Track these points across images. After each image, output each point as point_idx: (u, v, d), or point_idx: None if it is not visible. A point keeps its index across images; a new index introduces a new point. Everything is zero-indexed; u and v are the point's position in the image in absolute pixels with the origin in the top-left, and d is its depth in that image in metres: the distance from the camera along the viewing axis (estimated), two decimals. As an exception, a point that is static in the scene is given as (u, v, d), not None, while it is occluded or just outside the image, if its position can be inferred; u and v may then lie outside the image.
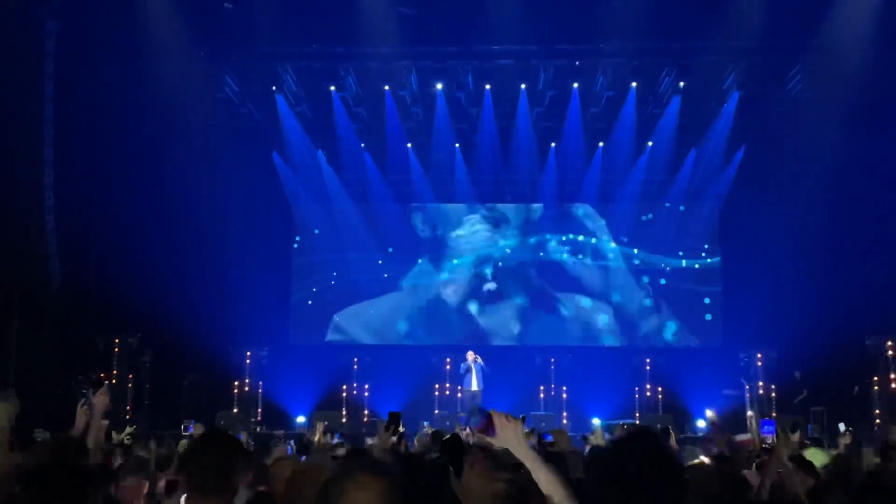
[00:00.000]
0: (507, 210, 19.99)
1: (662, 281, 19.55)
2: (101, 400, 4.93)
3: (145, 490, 4.90)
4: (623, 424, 13.40)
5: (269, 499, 4.14)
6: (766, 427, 5.93)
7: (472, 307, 19.62)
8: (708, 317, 19.48)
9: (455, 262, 19.77)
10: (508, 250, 19.79)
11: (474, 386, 16.61)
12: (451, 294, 19.66)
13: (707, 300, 19.48)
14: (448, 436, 4.49)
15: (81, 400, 5.11)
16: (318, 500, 2.24)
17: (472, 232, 19.87)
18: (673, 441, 7.54)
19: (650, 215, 19.72)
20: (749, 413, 16.55)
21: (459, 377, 17.12)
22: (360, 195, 19.76)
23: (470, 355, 16.95)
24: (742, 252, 18.68)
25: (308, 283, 19.85)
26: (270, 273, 19.10)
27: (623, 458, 2.29)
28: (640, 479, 2.23)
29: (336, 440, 10.38)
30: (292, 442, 11.13)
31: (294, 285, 19.85)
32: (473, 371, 16.79)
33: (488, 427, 2.79)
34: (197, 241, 17.12)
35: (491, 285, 19.54)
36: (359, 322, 19.61)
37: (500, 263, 19.71)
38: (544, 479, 2.68)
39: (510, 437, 2.77)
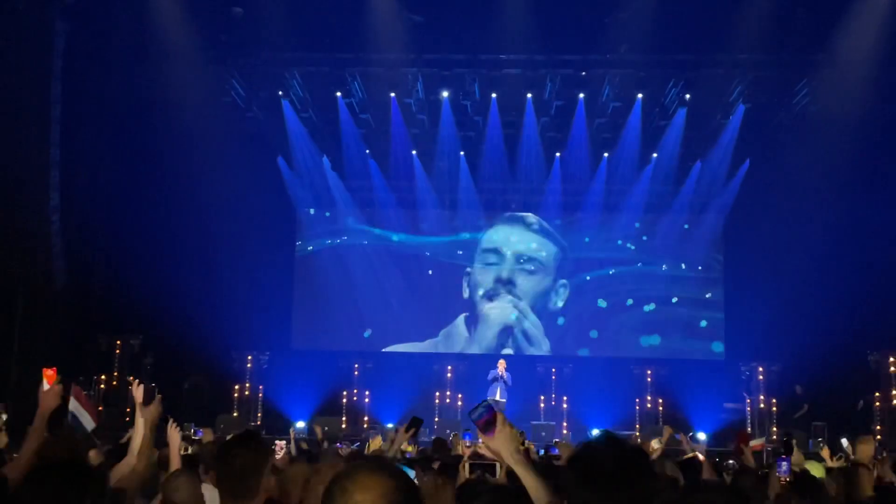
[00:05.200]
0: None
1: (665, 292, 19.55)
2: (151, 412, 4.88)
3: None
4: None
5: None
6: (782, 466, 5.86)
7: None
8: (703, 323, 19.47)
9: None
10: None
11: (498, 396, 16.24)
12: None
13: (704, 322, 19.50)
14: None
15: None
16: (323, 501, 2.08)
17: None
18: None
19: (654, 227, 19.73)
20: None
21: (486, 384, 16.62)
22: (365, 201, 19.80)
23: (501, 365, 16.66)
24: (745, 265, 18.67)
25: (310, 287, 19.85)
26: (273, 277, 19.12)
27: (600, 458, 2.43)
28: (616, 477, 2.37)
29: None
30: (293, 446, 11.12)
31: (296, 290, 19.86)
32: (499, 382, 16.50)
33: (488, 425, 2.80)
34: (201, 244, 17.16)
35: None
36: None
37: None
38: (532, 484, 2.74)
39: (503, 442, 2.80)
